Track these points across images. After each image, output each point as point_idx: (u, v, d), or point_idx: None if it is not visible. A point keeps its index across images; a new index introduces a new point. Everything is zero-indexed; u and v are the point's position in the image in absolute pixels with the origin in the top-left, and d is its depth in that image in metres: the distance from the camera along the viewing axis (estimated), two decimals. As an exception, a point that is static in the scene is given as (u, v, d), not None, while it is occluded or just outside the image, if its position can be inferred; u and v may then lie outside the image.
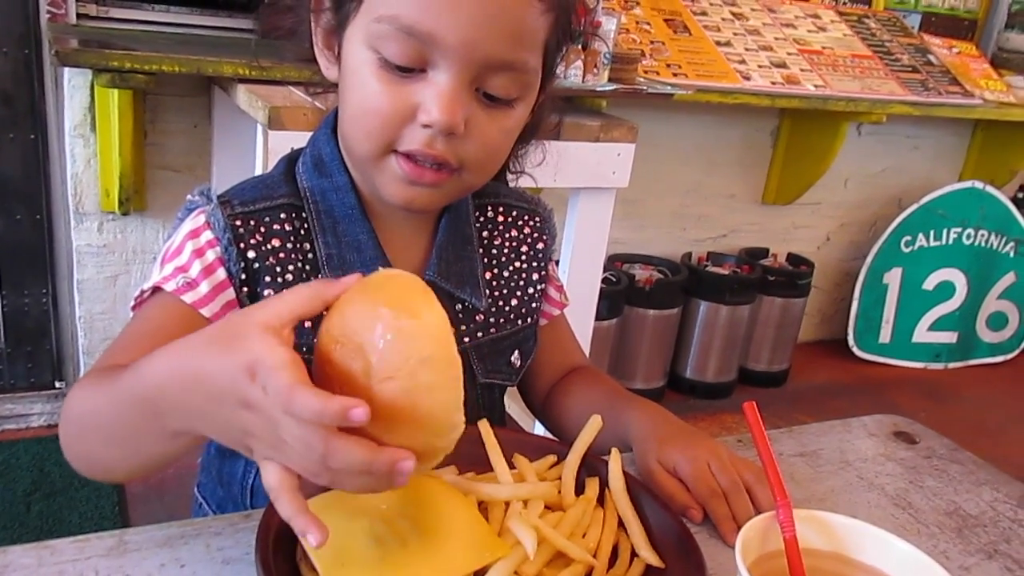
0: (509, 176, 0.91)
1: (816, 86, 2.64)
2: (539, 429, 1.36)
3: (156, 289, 0.72)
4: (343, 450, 0.46)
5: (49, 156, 2.08)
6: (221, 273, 0.72)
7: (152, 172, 2.09)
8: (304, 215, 0.77)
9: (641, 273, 2.75)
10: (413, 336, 0.47)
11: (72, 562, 0.61)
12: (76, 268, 2.10)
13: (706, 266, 2.90)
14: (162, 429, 0.55)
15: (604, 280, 2.31)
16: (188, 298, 0.70)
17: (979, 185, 3.19)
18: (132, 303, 0.75)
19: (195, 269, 0.71)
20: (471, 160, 0.71)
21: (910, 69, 2.94)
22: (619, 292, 2.61)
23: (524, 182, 0.93)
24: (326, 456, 0.46)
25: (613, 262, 2.78)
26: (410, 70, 0.66)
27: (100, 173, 2.00)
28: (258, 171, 1.62)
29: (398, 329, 0.47)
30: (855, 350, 3.27)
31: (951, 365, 3.38)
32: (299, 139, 1.53)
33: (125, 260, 2.14)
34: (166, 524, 0.67)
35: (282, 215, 0.76)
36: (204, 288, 0.71)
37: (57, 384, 2.28)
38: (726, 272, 2.86)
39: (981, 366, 3.42)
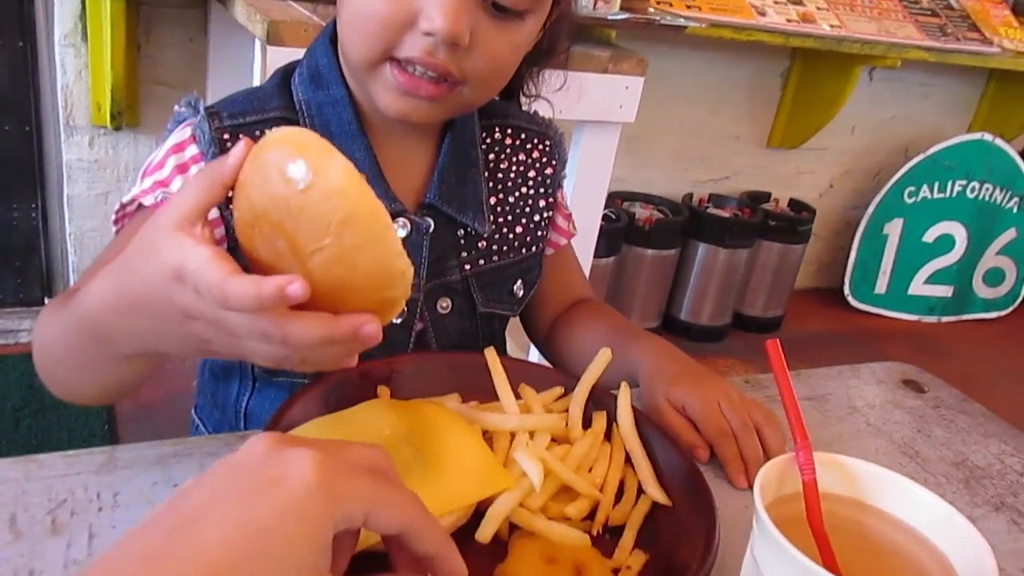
0: (523, 100, 0.87)
1: (832, 26, 2.57)
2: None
3: (139, 206, 0.69)
4: (299, 329, 0.44)
5: (38, 66, 2.01)
6: None
7: (145, 87, 2.02)
8: None
9: (641, 212, 2.72)
10: (325, 199, 0.43)
11: (61, 477, 0.59)
12: (66, 183, 2.05)
13: (707, 208, 2.86)
14: (115, 354, 0.54)
15: (603, 217, 2.28)
16: None
17: (988, 137, 3.14)
18: (113, 217, 0.72)
19: (175, 185, 0.68)
20: (475, 75, 0.67)
21: (929, 12, 2.86)
22: (618, 230, 2.57)
23: (540, 111, 0.89)
24: (285, 338, 0.44)
25: (613, 200, 2.74)
26: None
27: (91, 85, 1.94)
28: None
29: (306, 198, 0.43)
30: (850, 300, 3.26)
31: (944, 319, 3.37)
32: (298, 56, 1.49)
33: (116, 177, 2.09)
34: (159, 442, 0.65)
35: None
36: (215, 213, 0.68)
37: (46, 300, 2.25)
38: (727, 215, 2.82)
39: (975, 321, 3.42)
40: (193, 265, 0.44)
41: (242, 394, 0.78)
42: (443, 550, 0.41)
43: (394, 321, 0.74)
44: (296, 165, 0.43)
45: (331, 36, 0.74)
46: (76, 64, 1.93)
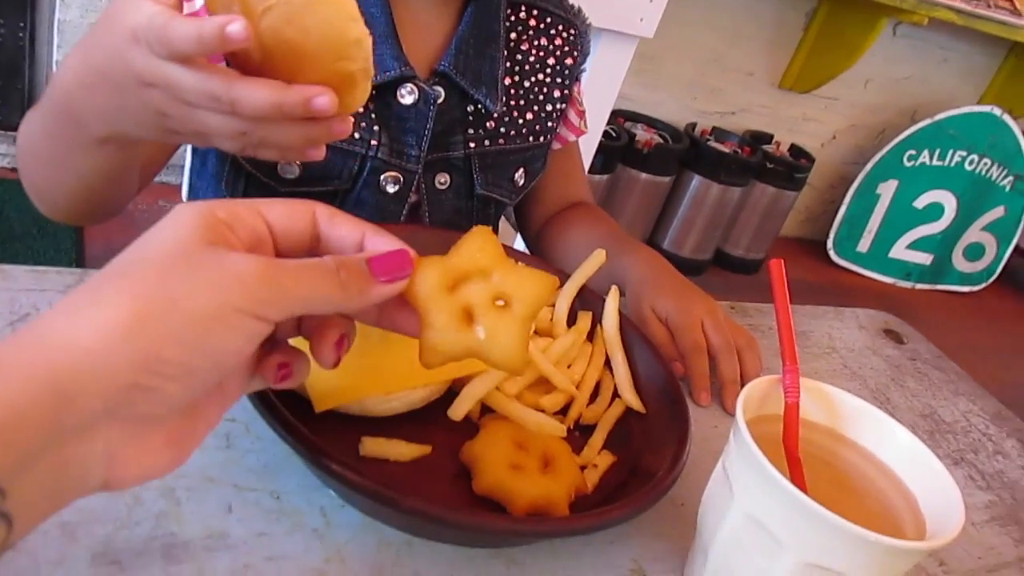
0: None
1: (867, -29, 2.49)
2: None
3: None
4: (246, 91, 0.43)
5: None
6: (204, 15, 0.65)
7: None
8: None
9: (642, 135, 2.67)
10: None
11: (26, 291, 0.57)
12: (59, 7, 1.96)
13: (708, 140, 2.82)
14: (87, 137, 0.53)
15: (603, 134, 2.23)
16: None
17: (997, 112, 3.11)
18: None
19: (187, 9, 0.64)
20: None
21: (966, -27, 2.78)
22: (616, 149, 2.53)
23: None
24: (234, 103, 0.43)
25: (616, 117, 2.68)
26: None
27: (95, -94, 1.83)
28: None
29: None
30: (831, 254, 3.27)
31: (919, 286, 3.41)
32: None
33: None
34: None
35: None
36: (200, 2, 0.63)
37: (24, 127, 2.18)
38: (727, 150, 2.79)
39: (948, 292, 3.46)
40: (144, 19, 0.43)
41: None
42: (366, 227, 0.39)
43: (388, 190, 0.73)
44: None
45: None
46: None
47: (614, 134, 2.55)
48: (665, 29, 1.91)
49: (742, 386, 0.68)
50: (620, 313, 0.66)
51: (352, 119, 0.47)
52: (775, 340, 0.81)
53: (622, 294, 0.73)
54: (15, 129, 2.05)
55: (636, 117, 2.76)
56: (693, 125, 2.87)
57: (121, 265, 0.33)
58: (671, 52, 2.70)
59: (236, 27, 0.40)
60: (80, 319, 0.30)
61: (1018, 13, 2.81)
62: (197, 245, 0.33)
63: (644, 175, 2.65)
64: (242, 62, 0.45)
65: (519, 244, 0.97)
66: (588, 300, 0.67)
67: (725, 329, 0.71)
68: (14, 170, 2.12)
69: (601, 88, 1.97)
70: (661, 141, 2.68)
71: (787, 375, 0.50)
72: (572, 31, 0.82)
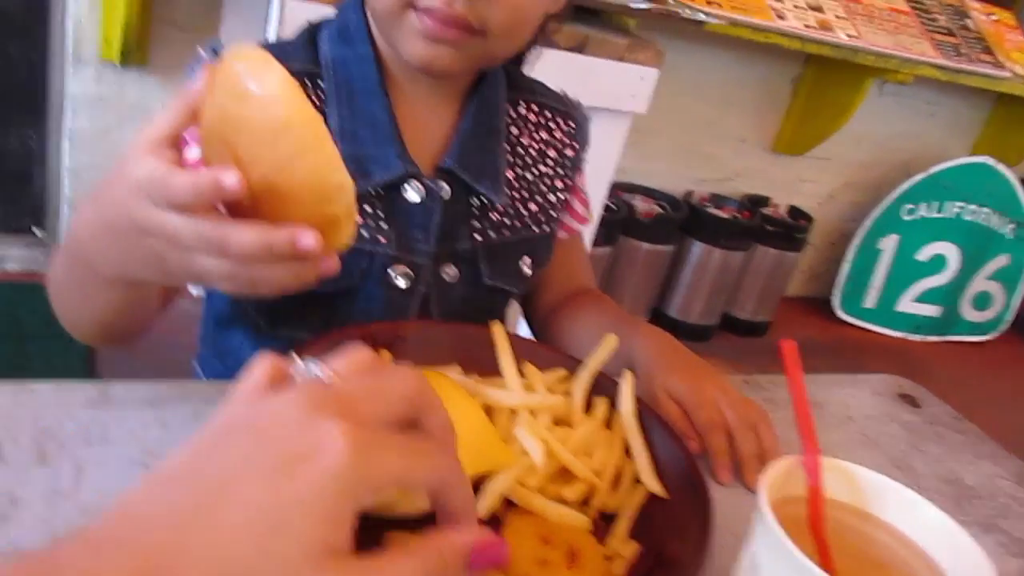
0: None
1: (849, 35, 2.56)
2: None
3: None
4: (236, 233, 0.46)
5: (49, -8, 1.97)
6: None
7: (158, 26, 1.98)
8: (321, 83, 0.72)
9: (641, 205, 2.71)
10: (261, 108, 0.44)
11: (50, 407, 0.58)
12: (69, 116, 2.02)
13: (707, 207, 2.85)
14: (98, 279, 0.57)
15: (603, 207, 2.27)
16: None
17: (990, 162, 3.15)
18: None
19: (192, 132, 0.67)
20: (495, 24, 0.66)
21: (945, 31, 2.86)
22: (617, 221, 2.56)
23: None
24: (223, 244, 0.46)
25: (614, 190, 2.72)
26: None
27: (103, 19, 1.90)
28: (271, 37, 1.54)
29: (246, 108, 0.45)
30: (838, 311, 3.27)
31: (929, 338, 3.39)
32: (316, 11, 1.46)
33: (120, 115, 2.06)
34: (154, 381, 0.64)
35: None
36: (195, 152, 0.67)
37: (35, 231, 2.22)
38: (726, 216, 2.82)
39: (958, 343, 3.44)
40: (145, 172, 0.47)
41: (244, 345, 0.77)
42: (464, 516, 0.39)
43: (398, 285, 0.74)
44: (238, 78, 0.45)
45: None
46: (88, -5, 1.89)
47: (614, 206, 2.58)
48: (656, 102, 1.95)
49: (761, 461, 0.69)
50: (636, 397, 0.66)
51: (338, 258, 0.50)
52: (791, 412, 0.81)
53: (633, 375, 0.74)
54: (24, 232, 2.08)
55: (634, 188, 2.80)
56: (690, 193, 2.91)
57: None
58: (663, 123, 2.75)
59: (230, 179, 0.44)
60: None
61: (1000, 65, 2.88)
62: None
63: (646, 245, 2.68)
64: (232, 205, 0.49)
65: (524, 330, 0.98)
66: (602, 385, 0.68)
67: (739, 405, 0.71)
68: (28, 274, 2.15)
69: (599, 164, 2.01)
70: (660, 210, 2.71)
71: (807, 456, 0.50)
72: (571, 123, 0.84)
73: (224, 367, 0.81)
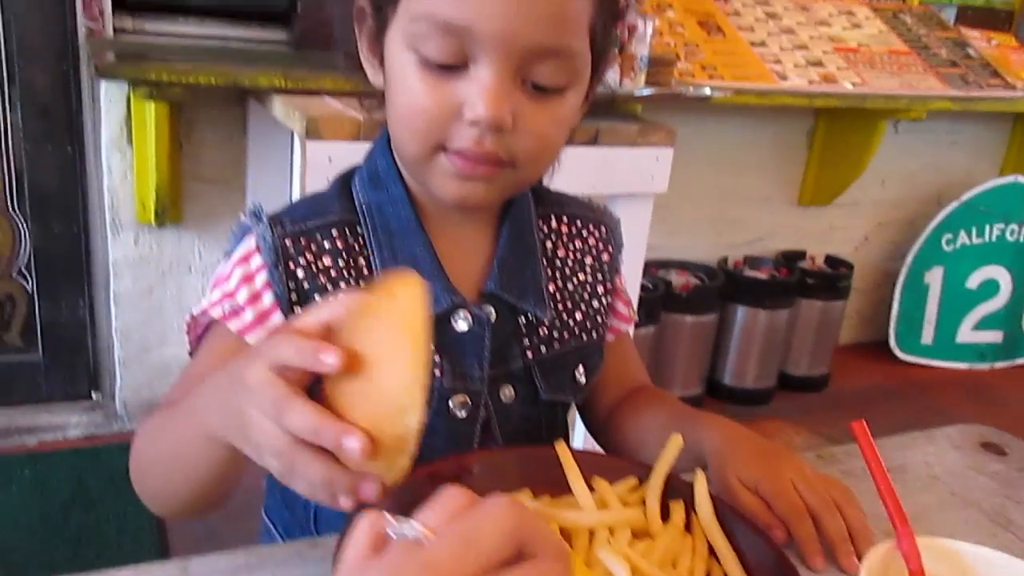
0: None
1: (853, 84, 2.59)
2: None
3: (211, 319, 0.72)
4: (298, 403, 0.47)
5: (86, 168, 2.07)
6: (268, 298, 0.71)
7: (187, 184, 2.07)
8: (359, 230, 0.74)
9: (677, 279, 2.71)
10: (388, 312, 0.47)
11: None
12: (112, 280, 2.10)
13: (743, 270, 2.84)
14: (200, 432, 0.57)
15: (640, 287, 2.27)
16: (233, 325, 0.70)
17: (1022, 179, 3.12)
18: (185, 325, 0.76)
19: (242, 296, 0.70)
20: (524, 154, 0.67)
21: (949, 63, 2.87)
22: (656, 298, 2.56)
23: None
24: (283, 409, 0.47)
25: (648, 268, 2.73)
26: (452, 67, 0.64)
27: (136, 185, 1.99)
28: (295, 182, 1.59)
29: (374, 310, 0.48)
30: (897, 352, 3.20)
31: (997, 365, 3.29)
32: (336, 149, 1.52)
33: (161, 272, 2.13)
34: (229, 552, 0.64)
35: (334, 232, 0.73)
36: (249, 315, 0.70)
37: (93, 395, 2.28)
38: (763, 276, 2.80)
39: (1028, 366, 3.34)
40: (279, 327, 0.52)
41: None
42: None
43: (458, 415, 0.74)
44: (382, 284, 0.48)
45: (388, 139, 0.76)
46: (121, 166, 1.99)
47: (650, 285, 2.58)
48: (676, 176, 1.98)
49: (851, 541, 0.66)
50: (712, 495, 0.65)
51: (380, 488, 0.50)
52: (871, 483, 0.79)
53: (700, 468, 0.72)
54: (83, 398, 2.15)
55: (668, 263, 2.80)
56: (725, 259, 2.90)
57: None
58: (686, 196, 2.77)
59: (331, 357, 0.47)
60: None
61: (1011, 86, 2.87)
62: None
63: (689, 317, 2.66)
64: (313, 391, 0.50)
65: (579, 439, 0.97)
66: (675, 487, 0.66)
67: (818, 486, 0.69)
68: (89, 438, 2.19)
69: (629, 247, 2.01)
70: (698, 281, 2.71)
71: (902, 541, 0.48)
72: (603, 228, 0.86)
73: (293, 517, 0.81)
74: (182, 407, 0.60)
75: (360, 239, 0.74)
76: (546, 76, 0.65)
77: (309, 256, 0.72)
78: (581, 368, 0.82)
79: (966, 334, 3.24)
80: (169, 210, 1.98)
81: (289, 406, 0.47)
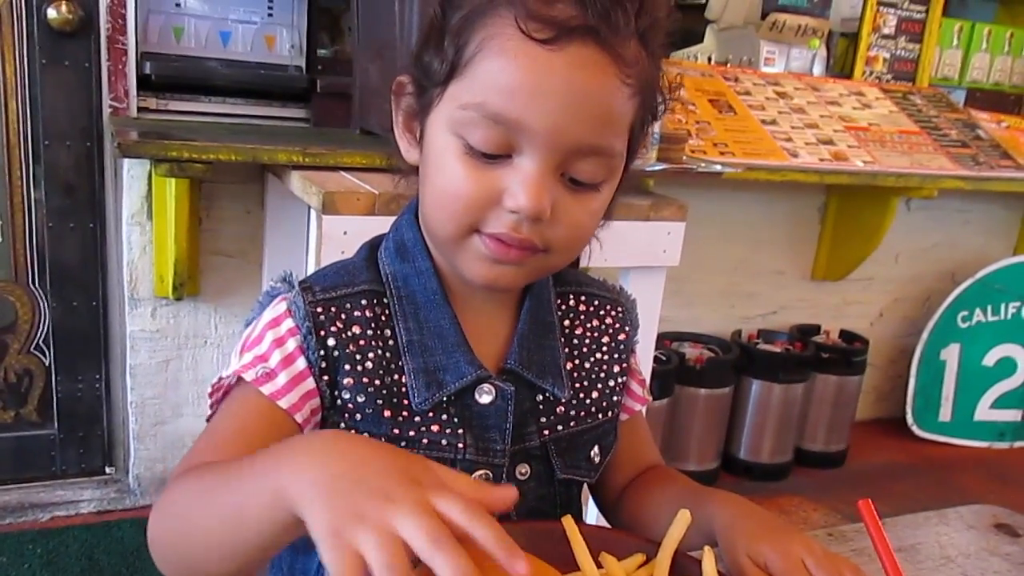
0: None
1: (864, 162, 2.62)
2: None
3: (239, 379, 0.71)
4: (453, 548, 0.46)
5: (107, 244, 2.12)
6: (301, 363, 0.71)
7: (205, 257, 2.11)
8: (385, 301, 0.75)
9: (691, 352, 2.70)
10: None
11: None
12: (129, 353, 2.11)
13: (757, 344, 2.84)
14: (269, 493, 0.52)
15: (654, 360, 2.27)
16: (266, 389, 0.69)
17: (1037, 259, 3.12)
18: (209, 389, 0.74)
19: (274, 359, 0.70)
20: (558, 243, 0.69)
21: (959, 144, 2.91)
22: (669, 371, 2.55)
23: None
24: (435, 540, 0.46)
25: (662, 340, 2.73)
26: (496, 156, 0.66)
27: (155, 259, 2.03)
28: (311, 255, 1.62)
29: None
30: (914, 429, 3.16)
31: (1016, 444, 3.24)
32: (352, 223, 1.55)
33: (177, 345, 2.15)
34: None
35: (363, 301, 0.74)
36: (282, 379, 0.69)
37: (107, 470, 2.27)
38: (778, 350, 2.80)
39: (1049, 446, 3.28)
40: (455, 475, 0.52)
41: (323, 570, 0.77)
42: None
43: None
44: None
45: (415, 212, 0.78)
46: (141, 240, 2.03)
47: (664, 358, 2.58)
48: (688, 250, 1.99)
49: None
50: (719, 572, 0.64)
51: None
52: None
53: (709, 545, 0.72)
54: (98, 474, 2.14)
55: (682, 336, 2.80)
56: (739, 332, 2.90)
57: None
58: (699, 270, 2.79)
59: (521, 567, 0.46)
60: None
61: (1022, 167, 2.90)
62: None
63: (703, 390, 2.65)
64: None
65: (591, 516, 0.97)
66: (683, 564, 0.66)
67: (828, 564, 0.68)
68: (101, 513, 2.18)
69: (643, 320, 2.03)
70: (712, 354, 2.70)
71: (908, 621, 0.48)
72: (619, 308, 0.87)
73: None
74: (242, 465, 0.55)
75: (387, 310, 0.75)
76: (586, 172, 0.67)
77: (339, 324, 0.72)
78: (596, 447, 0.82)
79: (984, 412, 3.20)
80: (187, 283, 2.01)
81: (448, 543, 0.46)
